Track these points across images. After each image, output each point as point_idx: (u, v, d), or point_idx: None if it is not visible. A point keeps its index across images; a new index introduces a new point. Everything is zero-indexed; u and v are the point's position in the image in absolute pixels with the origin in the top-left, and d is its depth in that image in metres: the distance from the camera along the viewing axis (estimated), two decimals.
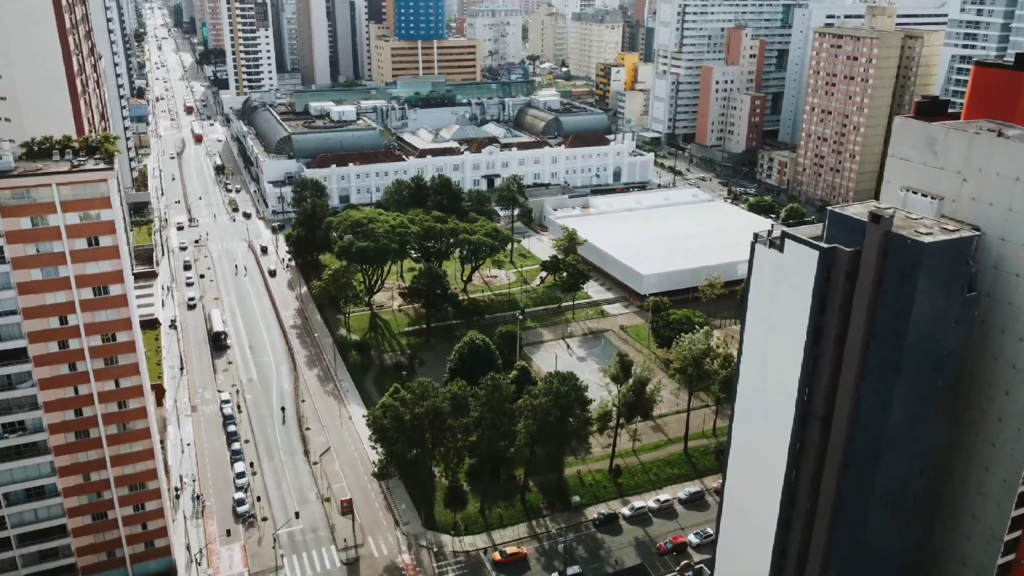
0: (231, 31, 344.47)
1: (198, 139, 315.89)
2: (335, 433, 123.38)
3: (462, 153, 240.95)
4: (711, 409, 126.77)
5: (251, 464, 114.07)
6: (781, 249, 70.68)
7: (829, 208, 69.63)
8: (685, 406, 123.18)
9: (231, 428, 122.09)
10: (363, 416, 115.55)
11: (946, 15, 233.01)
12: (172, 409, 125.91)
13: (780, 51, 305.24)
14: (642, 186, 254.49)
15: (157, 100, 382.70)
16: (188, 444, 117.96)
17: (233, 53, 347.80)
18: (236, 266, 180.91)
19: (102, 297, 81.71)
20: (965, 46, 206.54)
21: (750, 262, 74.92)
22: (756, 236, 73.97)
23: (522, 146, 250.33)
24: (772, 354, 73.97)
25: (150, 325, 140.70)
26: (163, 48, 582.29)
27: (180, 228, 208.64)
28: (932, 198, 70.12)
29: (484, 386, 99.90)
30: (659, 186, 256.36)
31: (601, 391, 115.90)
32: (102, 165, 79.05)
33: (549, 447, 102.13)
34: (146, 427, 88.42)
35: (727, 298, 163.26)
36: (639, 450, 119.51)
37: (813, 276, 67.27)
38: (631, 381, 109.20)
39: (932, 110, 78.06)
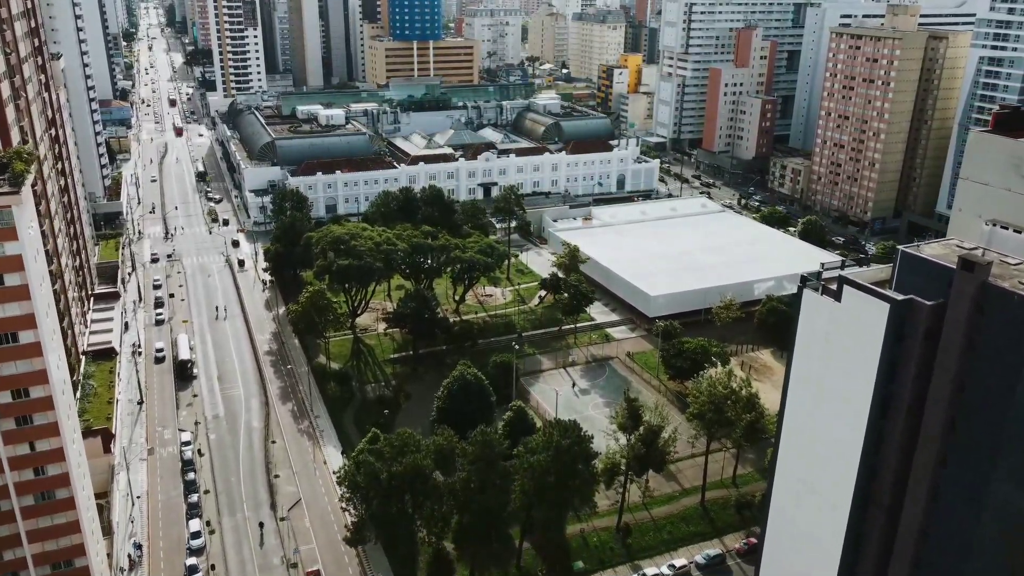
0: (218, 30, 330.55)
1: (178, 132, 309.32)
2: (307, 481, 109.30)
3: (457, 160, 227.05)
4: (730, 453, 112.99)
5: (207, 523, 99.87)
6: (838, 297, 56.86)
7: (900, 248, 55.72)
8: (700, 449, 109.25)
9: (190, 475, 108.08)
10: (334, 472, 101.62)
11: (972, 15, 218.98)
12: (126, 453, 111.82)
13: (790, 52, 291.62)
14: (647, 195, 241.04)
15: (143, 103, 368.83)
16: (139, 496, 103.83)
17: (220, 53, 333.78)
18: (217, 308, 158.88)
19: (9, 346, 67.80)
20: (995, 47, 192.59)
21: (796, 309, 61.11)
22: (804, 280, 60.15)
23: (521, 152, 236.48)
24: (824, 423, 60.14)
25: (106, 355, 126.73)
26: (154, 49, 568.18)
27: (155, 259, 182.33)
28: None
29: (473, 441, 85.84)
30: (669, 194, 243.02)
31: (607, 438, 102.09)
32: (6, 188, 65.06)
33: (548, 510, 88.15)
34: (70, 496, 74.47)
35: (743, 321, 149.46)
36: (650, 504, 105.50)
37: (882, 334, 53.53)
38: (642, 430, 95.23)
39: (1015, 122, 64.33)
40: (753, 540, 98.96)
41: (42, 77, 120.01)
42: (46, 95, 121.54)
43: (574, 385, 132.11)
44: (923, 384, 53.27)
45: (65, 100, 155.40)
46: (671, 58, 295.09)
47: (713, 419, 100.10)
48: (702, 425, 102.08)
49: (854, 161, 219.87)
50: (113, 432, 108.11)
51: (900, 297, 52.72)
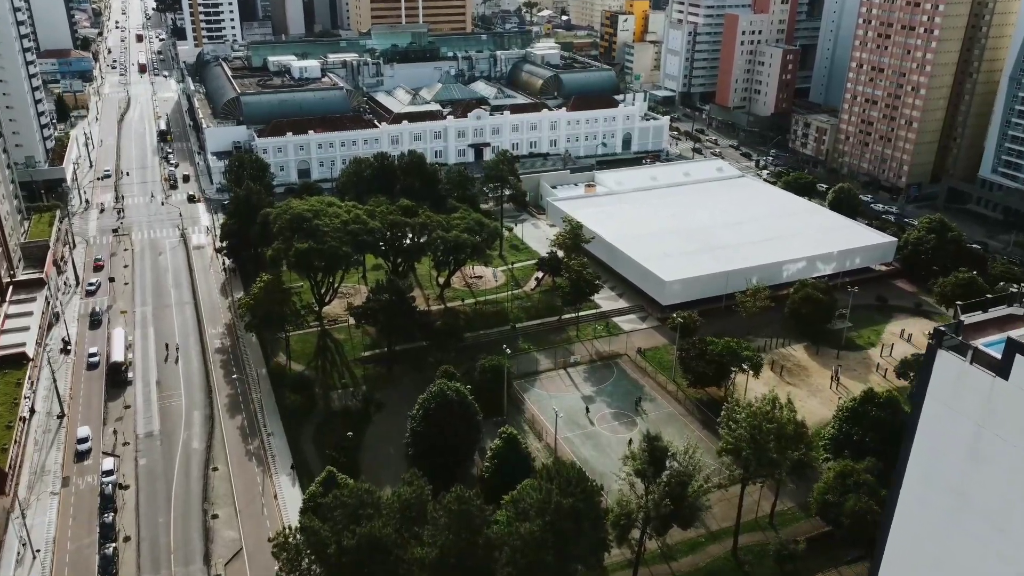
0: None
1: (142, 69, 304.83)
2: (252, 523, 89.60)
3: (445, 118, 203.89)
4: (767, 485, 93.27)
5: None
6: (1004, 373, 35.99)
7: None
8: (729, 478, 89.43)
9: (108, 517, 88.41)
10: (268, 539, 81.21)
11: None
12: (33, 487, 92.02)
13: None
14: (656, 155, 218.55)
15: (108, 53, 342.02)
16: (38, 550, 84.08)
17: None
18: (167, 346, 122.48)
19: None
20: None
21: (924, 378, 40.22)
22: (940, 337, 39.16)
23: (516, 109, 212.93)
24: (962, 555, 39.85)
25: (14, 361, 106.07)
26: None
27: (99, 266, 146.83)
28: None
29: (447, 508, 65.63)
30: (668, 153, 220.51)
31: (619, 481, 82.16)
32: None
33: None
34: None
35: (770, 310, 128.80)
36: (671, 554, 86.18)
37: None
38: (665, 476, 75.19)
39: None
40: None
41: None
42: None
43: (588, 411, 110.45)
44: None
45: None
46: (682, 3, 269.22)
47: (751, 457, 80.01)
48: (735, 463, 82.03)
49: (888, 119, 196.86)
50: (7, 469, 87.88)
51: None
